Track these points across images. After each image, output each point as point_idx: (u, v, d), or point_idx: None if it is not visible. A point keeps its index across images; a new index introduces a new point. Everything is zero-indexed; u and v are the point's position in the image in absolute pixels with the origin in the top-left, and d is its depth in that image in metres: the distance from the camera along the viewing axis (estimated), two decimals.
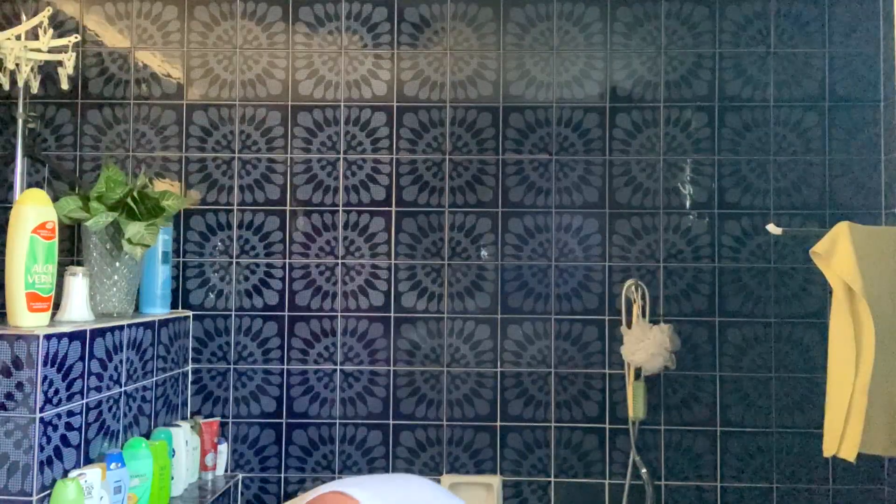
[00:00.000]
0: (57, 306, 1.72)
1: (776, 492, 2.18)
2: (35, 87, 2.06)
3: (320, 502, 1.11)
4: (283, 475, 2.23)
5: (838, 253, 1.82)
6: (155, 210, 1.98)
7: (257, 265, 2.27)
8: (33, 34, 2.02)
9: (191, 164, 2.29)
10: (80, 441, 1.62)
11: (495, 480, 2.19)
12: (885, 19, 2.21)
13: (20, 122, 2.10)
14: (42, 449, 1.47)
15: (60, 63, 2.05)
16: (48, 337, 1.49)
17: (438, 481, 2.20)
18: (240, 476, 2.22)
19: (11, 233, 1.57)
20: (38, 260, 1.57)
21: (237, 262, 2.27)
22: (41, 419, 1.47)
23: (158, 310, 2.13)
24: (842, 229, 1.83)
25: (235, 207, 2.28)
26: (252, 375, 2.25)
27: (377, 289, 2.26)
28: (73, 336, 1.59)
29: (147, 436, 1.94)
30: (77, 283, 1.75)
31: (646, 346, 2.08)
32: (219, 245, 2.27)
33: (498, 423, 2.23)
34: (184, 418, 2.19)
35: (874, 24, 2.24)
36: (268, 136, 2.29)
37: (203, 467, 2.11)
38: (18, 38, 1.99)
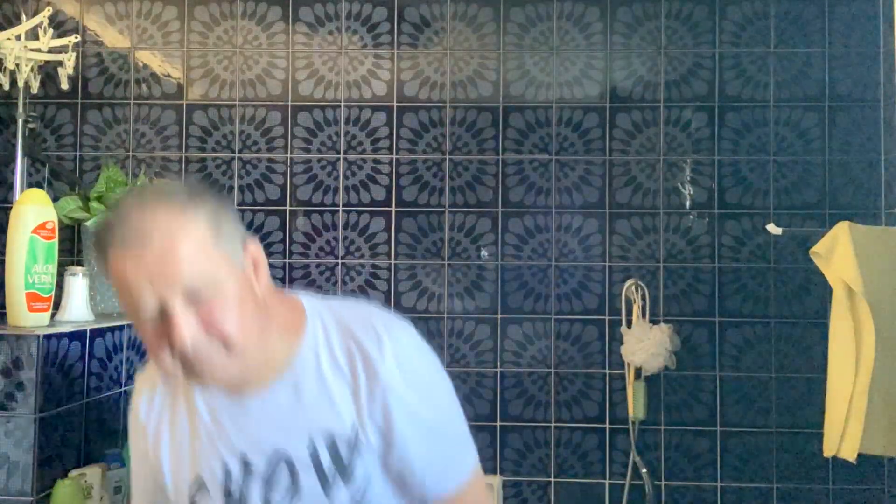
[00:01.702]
0: (57, 306, 1.72)
1: (776, 492, 2.18)
2: (35, 87, 2.06)
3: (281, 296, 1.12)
4: None
5: (838, 253, 1.82)
6: None
7: None
8: (33, 34, 2.02)
9: (191, 164, 2.29)
10: (80, 441, 1.62)
11: (495, 480, 2.18)
12: (885, 19, 2.21)
13: (20, 122, 2.10)
14: (42, 449, 1.47)
15: (60, 63, 2.05)
16: (48, 337, 1.49)
17: None
18: None
19: (11, 233, 1.57)
20: (38, 260, 1.57)
21: None
22: (41, 419, 1.47)
23: None
24: (842, 229, 1.83)
25: (235, 207, 2.27)
26: None
27: (377, 289, 2.26)
28: (73, 336, 1.59)
29: None
30: (77, 283, 1.74)
31: (646, 346, 2.08)
32: None
33: (498, 423, 2.23)
34: None
35: (874, 24, 2.24)
36: (268, 136, 2.29)
37: None
38: (18, 38, 1.99)
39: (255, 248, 1.04)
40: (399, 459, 1.04)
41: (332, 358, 1.06)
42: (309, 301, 1.12)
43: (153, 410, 1.13)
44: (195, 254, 0.94)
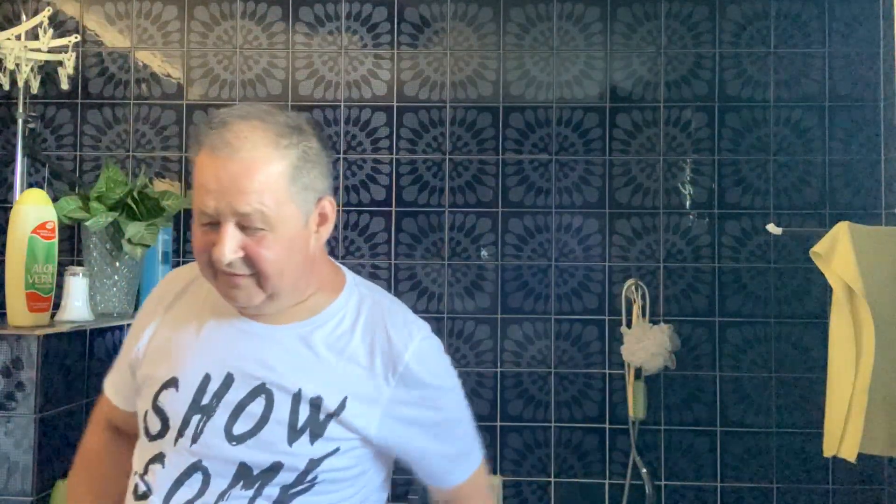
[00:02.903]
0: (57, 306, 1.72)
1: (776, 492, 2.18)
2: (35, 87, 2.06)
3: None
4: None
5: (838, 253, 1.82)
6: (155, 210, 1.98)
7: None
8: (33, 34, 2.03)
9: (190, 164, 2.28)
10: (80, 441, 1.62)
11: (495, 480, 2.18)
12: (885, 19, 2.21)
13: (20, 122, 2.10)
14: (42, 449, 1.47)
15: (60, 63, 2.05)
16: (48, 337, 1.49)
17: None
18: None
19: (11, 233, 1.58)
20: (38, 260, 1.57)
21: None
22: (41, 419, 1.47)
23: None
24: (842, 229, 1.83)
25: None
26: None
27: None
28: (73, 336, 1.59)
29: None
30: (77, 283, 1.75)
31: (646, 346, 2.08)
32: None
33: (498, 423, 2.23)
34: None
35: (874, 24, 2.24)
36: None
37: None
38: (18, 38, 1.99)
39: (329, 205, 1.10)
40: (404, 452, 1.08)
41: (353, 331, 1.09)
42: (351, 274, 1.18)
43: (181, 294, 1.16)
44: (267, 186, 0.99)
